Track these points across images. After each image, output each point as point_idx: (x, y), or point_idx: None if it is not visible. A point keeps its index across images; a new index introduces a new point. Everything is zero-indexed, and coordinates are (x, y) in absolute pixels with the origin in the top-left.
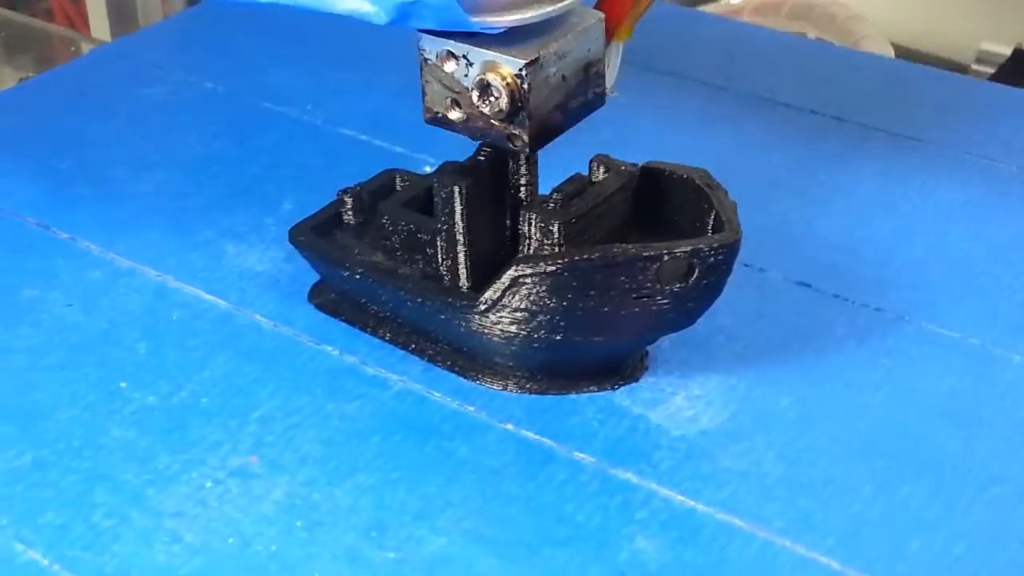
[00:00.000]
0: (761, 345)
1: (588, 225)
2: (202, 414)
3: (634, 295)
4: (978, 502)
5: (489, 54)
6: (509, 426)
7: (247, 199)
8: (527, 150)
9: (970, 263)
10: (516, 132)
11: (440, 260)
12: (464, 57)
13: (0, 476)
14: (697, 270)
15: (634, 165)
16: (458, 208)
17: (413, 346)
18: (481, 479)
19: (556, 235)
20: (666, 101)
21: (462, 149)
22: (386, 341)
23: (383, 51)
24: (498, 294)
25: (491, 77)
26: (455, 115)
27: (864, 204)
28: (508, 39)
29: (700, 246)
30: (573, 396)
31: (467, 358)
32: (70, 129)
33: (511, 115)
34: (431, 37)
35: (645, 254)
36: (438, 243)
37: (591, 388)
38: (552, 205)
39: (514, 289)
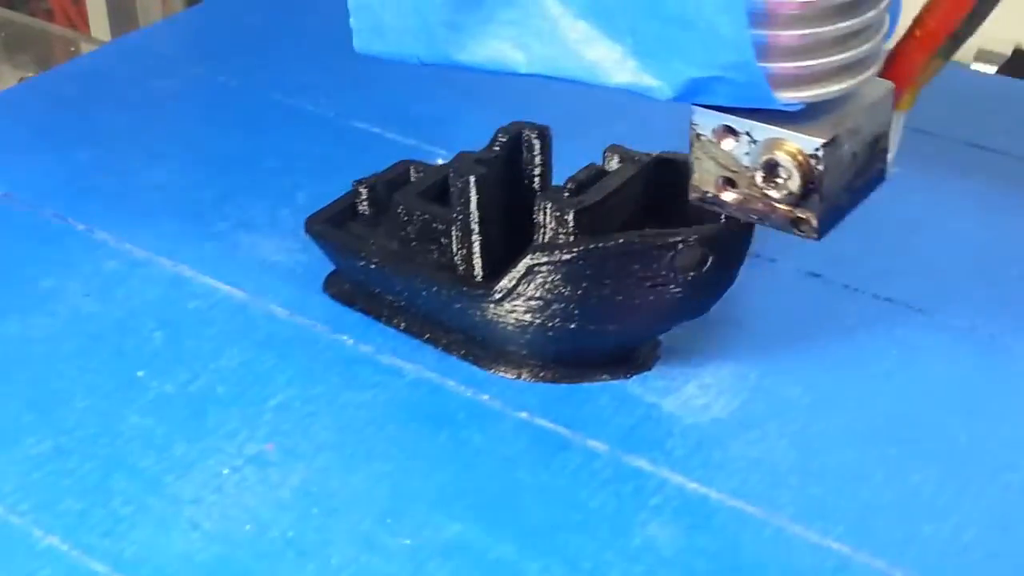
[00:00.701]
0: (772, 334)
1: (602, 214)
2: (219, 402)
3: (648, 283)
4: (988, 489)
5: (778, 131)
6: (523, 414)
7: (261, 191)
8: (815, 236)
9: (979, 254)
10: (804, 216)
11: (455, 249)
12: (747, 134)
13: (20, 463)
14: (711, 258)
15: (647, 155)
16: (473, 198)
17: (428, 335)
18: (496, 467)
19: (571, 223)
20: None
21: (474, 141)
22: (401, 330)
23: None
24: (513, 282)
25: (780, 157)
26: (730, 197)
27: (872, 195)
28: (797, 114)
29: (714, 233)
30: (586, 385)
31: (481, 347)
32: (85, 122)
33: (801, 198)
34: (706, 111)
35: (660, 242)
36: (453, 232)
37: (604, 377)
38: (567, 194)
39: (529, 277)
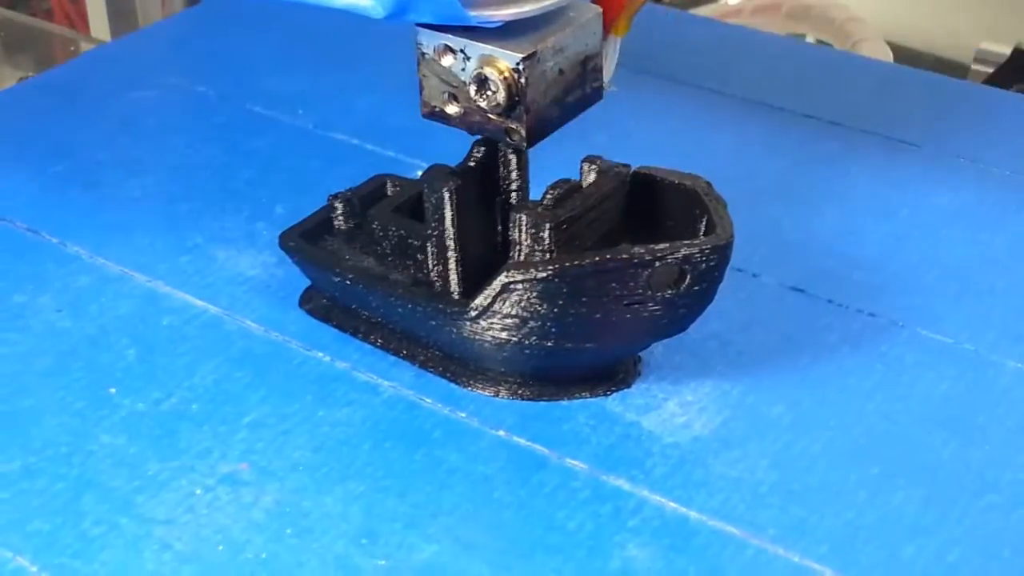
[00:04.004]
0: (754, 351)
1: (579, 230)
2: (192, 420)
3: (625, 301)
4: (972, 509)
5: (486, 48)
6: (501, 432)
7: (238, 204)
8: (524, 144)
9: (964, 268)
10: (513, 126)
11: (431, 266)
12: (461, 51)
13: None
14: (689, 276)
15: (626, 166)
16: (448, 212)
17: (404, 352)
18: (472, 486)
19: (547, 240)
20: (661, 105)
21: (454, 153)
22: (377, 347)
23: (374, 55)
24: (488, 300)
25: (488, 71)
26: (452, 109)
27: (858, 209)
28: (505, 33)
29: (692, 251)
30: (565, 402)
31: (458, 364)
32: (62, 133)
33: (508, 109)
34: (428, 31)
35: (636, 260)
36: (428, 248)
37: (583, 394)
38: (542, 209)
39: (504, 295)
